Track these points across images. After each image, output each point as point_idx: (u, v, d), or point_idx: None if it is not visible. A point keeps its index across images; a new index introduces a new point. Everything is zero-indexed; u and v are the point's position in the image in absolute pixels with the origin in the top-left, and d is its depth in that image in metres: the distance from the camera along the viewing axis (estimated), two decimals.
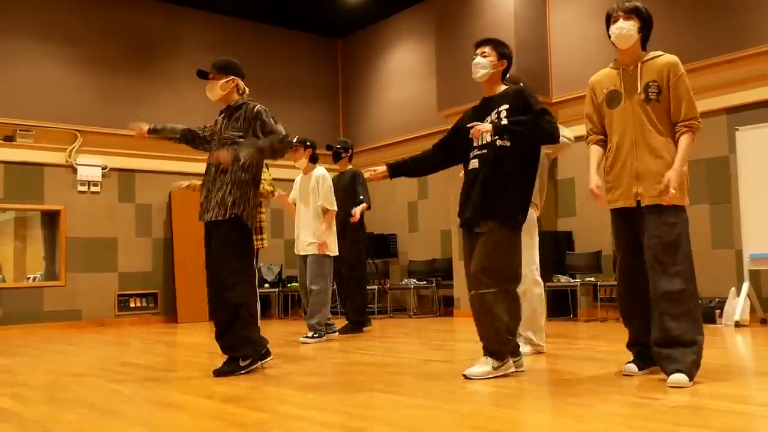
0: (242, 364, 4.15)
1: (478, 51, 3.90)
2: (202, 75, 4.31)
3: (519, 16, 8.74)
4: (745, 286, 6.67)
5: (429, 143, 11.39)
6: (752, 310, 6.73)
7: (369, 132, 11.54)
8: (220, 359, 4.88)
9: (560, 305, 8.42)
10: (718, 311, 6.90)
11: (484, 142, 3.74)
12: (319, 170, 6.42)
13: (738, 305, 6.62)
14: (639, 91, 3.51)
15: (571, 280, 8.15)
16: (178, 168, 10.30)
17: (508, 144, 3.67)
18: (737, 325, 6.56)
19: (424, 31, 10.68)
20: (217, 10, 10.81)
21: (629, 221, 3.56)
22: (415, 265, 10.24)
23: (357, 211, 6.85)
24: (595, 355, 4.62)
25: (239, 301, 4.12)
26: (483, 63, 3.85)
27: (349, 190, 7.04)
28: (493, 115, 3.77)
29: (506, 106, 3.75)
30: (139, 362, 4.99)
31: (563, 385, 3.40)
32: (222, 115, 4.40)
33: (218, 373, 4.10)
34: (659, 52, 3.59)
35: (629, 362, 3.64)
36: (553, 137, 3.69)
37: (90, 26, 9.84)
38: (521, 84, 4.34)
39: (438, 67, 9.62)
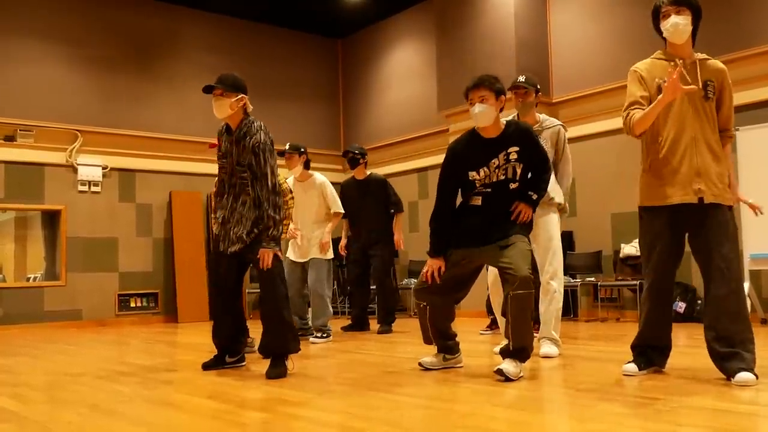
0: (288, 364, 4.12)
1: (474, 97, 3.75)
2: (208, 90, 4.17)
3: (519, 17, 8.74)
4: (746, 286, 6.67)
5: (429, 143, 11.41)
6: (753, 310, 6.73)
7: (369, 132, 11.54)
8: None
9: (563, 305, 8.40)
10: None
11: (490, 181, 3.80)
12: (319, 177, 6.41)
13: None
14: (699, 87, 3.43)
15: (572, 281, 8.15)
16: (178, 168, 10.31)
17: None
18: None
19: (424, 31, 10.68)
20: (217, 10, 10.81)
21: (676, 219, 3.45)
22: (415, 265, 10.23)
23: (400, 239, 7.18)
24: (595, 355, 4.62)
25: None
26: (484, 111, 3.73)
27: (377, 196, 7.10)
28: (502, 157, 3.76)
29: (516, 149, 3.77)
30: (140, 362, 4.99)
31: (563, 385, 3.40)
32: (226, 138, 4.28)
33: (269, 375, 4.00)
34: (705, 55, 3.59)
35: (629, 362, 3.64)
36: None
37: (90, 26, 9.85)
38: (537, 85, 4.71)
39: (438, 67, 9.62)
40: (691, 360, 4.23)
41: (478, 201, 3.83)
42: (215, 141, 4.41)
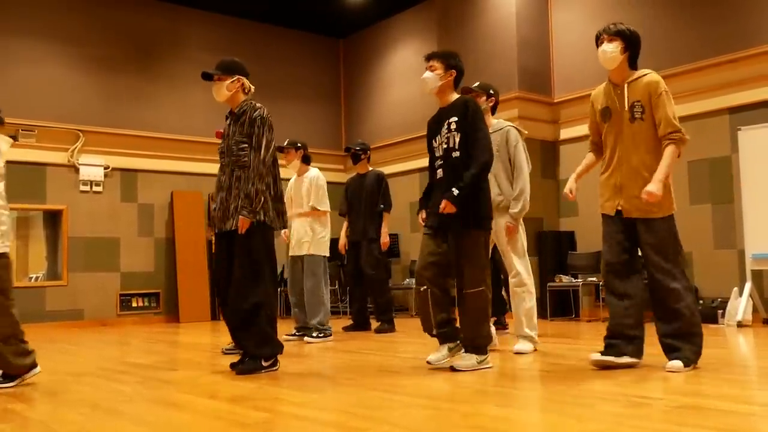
0: (264, 364, 4.16)
1: (426, 65, 4.13)
2: (207, 77, 4.30)
3: (521, 16, 8.74)
4: (748, 286, 6.67)
5: None
6: (754, 310, 6.73)
7: (370, 132, 11.54)
8: (220, 359, 4.89)
9: (562, 305, 8.42)
10: (720, 311, 6.90)
11: (440, 152, 4.08)
12: (313, 171, 6.42)
13: (740, 305, 6.61)
14: (626, 110, 3.77)
15: (573, 280, 8.15)
16: (180, 168, 10.32)
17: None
18: (739, 325, 6.56)
19: (425, 30, 10.68)
20: (218, 9, 10.82)
21: (616, 224, 3.86)
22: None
23: (385, 237, 7.01)
24: None
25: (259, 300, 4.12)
26: (429, 77, 4.08)
27: (371, 191, 7.09)
28: (445, 127, 4.04)
29: (455, 119, 4.02)
30: (141, 362, 4.99)
31: (564, 385, 3.40)
32: (228, 120, 4.39)
33: (239, 371, 4.10)
34: (645, 71, 3.81)
35: (600, 352, 3.87)
36: (487, 166, 3.96)
37: (92, 26, 9.86)
38: (490, 90, 4.84)
39: None
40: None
41: (440, 173, 4.08)
42: (221, 130, 4.47)
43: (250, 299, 4.07)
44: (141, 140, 10.06)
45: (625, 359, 3.81)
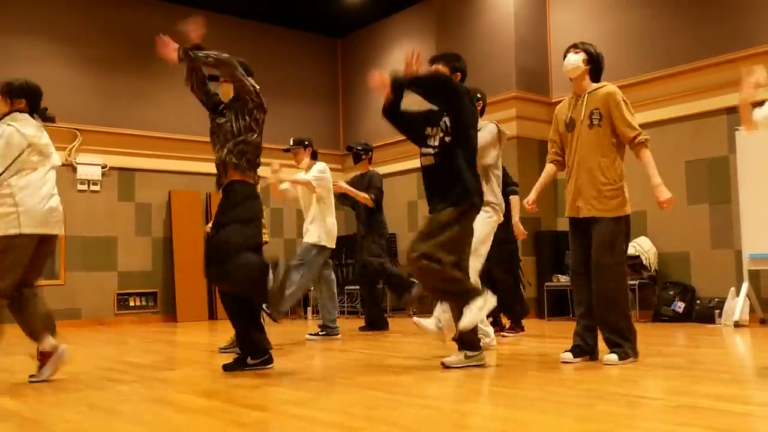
0: (250, 362, 4.17)
1: (432, 68, 4.19)
2: (214, 79, 4.33)
3: (519, 16, 8.75)
4: (745, 286, 6.67)
5: None
6: (751, 310, 6.74)
7: (369, 131, 11.53)
8: (219, 358, 4.88)
9: (559, 305, 8.42)
10: (717, 311, 6.91)
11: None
12: (319, 164, 6.39)
13: (737, 305, 6.62)
14: (586, 118, 4.08)
15: None
16: (178, 167, 10.30)
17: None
18: (736, 325, 6.57)
19: (424, 30, 10.68)
20: (217, 9, 10.80)
21: (579, 229, 4.14)
22: None
23: (359, 194, 6.85)
24: None
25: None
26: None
27: (366, 189, 7.07)
28: (442, 124, 4.03)
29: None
30: (139, 361, 4.99)
31: (563, 385, 3.40)
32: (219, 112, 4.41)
33: (227, 368, 4.14)
34: (605, 83, 4.14)
35: (566, 350, 4.17)
36: (448, 86, 4.00)
37: (90, 25, 9.84)
38: (477, 94, 4.75)
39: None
40: (690, 360, 4.23)
41: (430, 161, 4.08)
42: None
43: None
44: (139, 139, 10.05)
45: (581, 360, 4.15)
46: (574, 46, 4.20)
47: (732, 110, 7.22)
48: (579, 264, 4.16)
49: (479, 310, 3.82)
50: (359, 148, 7.21)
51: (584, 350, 4.15)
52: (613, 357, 3.94)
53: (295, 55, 11.69)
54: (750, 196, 6.74)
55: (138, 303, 9.87)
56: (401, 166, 10.75)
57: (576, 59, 4.14)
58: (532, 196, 4.31)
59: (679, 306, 7.23)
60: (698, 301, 7.20)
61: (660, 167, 4.08)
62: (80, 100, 9.66)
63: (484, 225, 4.64)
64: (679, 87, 7.59)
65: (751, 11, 7.16)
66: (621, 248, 4.03)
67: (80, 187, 9.51)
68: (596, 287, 4.01)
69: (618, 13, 8.28)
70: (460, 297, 3.86)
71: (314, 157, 6.45)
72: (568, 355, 4.13)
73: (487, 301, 3.85)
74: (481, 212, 4.26)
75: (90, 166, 9.59)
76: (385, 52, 11.41)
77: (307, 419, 2.78)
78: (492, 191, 4.75)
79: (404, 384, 3.58)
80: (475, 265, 4.52)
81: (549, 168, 4.36)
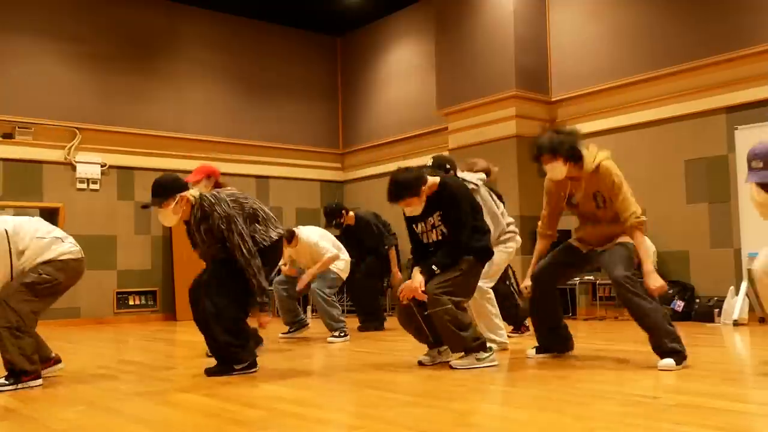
0: (237, 367, 4.10)
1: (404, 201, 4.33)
2: (147, 207, 4.03)
3: (518, 15, 8.74)
4: (744, 285, 6.68)
5: (428, 142, 11.35)
6: (751, 309, 6.74)
7: (368, 130, 11.53)
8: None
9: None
10: (716, 310, 6.91)
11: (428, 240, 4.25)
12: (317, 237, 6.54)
13: (737, 304, 6.62)
14: (589, 200, 4.10)
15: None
16: (177, 166, 10.28)
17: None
18: (735, 324, 6.57)
19: (423, 29, 10.67)
20: (216, 7, 10.79)
21: (577, 256, 4.27)
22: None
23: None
24: (593, 353, 4.62)
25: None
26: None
27: (370, 235, 7.30)
28: (429, 221, 4.19)
29: (439, 213, 4.13)
30: (138, 360, 4.99)
31: (563, 384, 3.40)
32: (189, 229, 4.20)
33: (210, 373, 4.06)
34: (594, 159, 4.01)
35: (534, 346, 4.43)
36: (486, 253, 4.11)
37: (90, 23, 9.83)
38: (453, 180, 4.49)
39: (437, 66, 9.61)
40: (690, 360, 4.23)
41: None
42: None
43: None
44: (138, 138, 10.04)
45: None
46: (543, 153, 4.04)
47: (731, 109, 7.21)
48: (547, 276, 4.29)
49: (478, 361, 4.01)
50: (332, 217, 7.11)
51: (548, 349, 4.40)
52: (670, 362, 3.74)
53: (294, 54, 11.68)
54: (747, 195, 6.73)
55: (137, 302, 9.87)
56: (401, 165, 10.72)
57: (558, 168, 4.02)
58: (528, 281, 4.34)
59: (679, 305, 7.23)
60: (697, 300, 7.20)
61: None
62: (80, 99, 9.65)
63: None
64: (679, 86, 7.59)
65: (750, 10, 7.16)
66: (632, 263, 4.00)
67: (79, 185, 9.50)
68: (625, 304, 3.93)
69: (617, 12, 8.27)
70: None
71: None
72: (532, 352, 4.39)
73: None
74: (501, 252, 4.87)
75: (89, 165, 9.58)
76: (385, 51, 11.41)
77: (305, 418, 2.78)
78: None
79: (404, 383, 3.58)
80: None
81: (540, 245, 4.41)
